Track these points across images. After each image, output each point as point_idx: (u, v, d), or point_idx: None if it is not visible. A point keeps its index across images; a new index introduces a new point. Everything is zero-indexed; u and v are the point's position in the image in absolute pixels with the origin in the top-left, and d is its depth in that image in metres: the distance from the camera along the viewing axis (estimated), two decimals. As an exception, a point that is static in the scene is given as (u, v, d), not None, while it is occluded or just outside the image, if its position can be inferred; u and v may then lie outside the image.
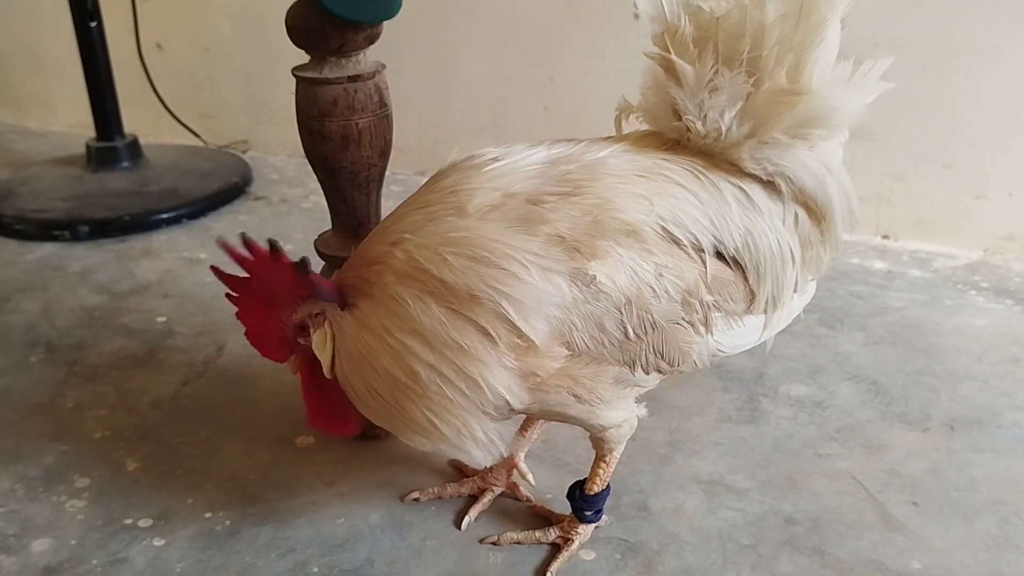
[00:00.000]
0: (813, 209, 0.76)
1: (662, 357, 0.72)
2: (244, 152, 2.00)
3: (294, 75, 0.86)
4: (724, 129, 0.72)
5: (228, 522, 0.89)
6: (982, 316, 1.26)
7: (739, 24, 0.70)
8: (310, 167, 0.92)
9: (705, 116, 0.73)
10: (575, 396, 0.71)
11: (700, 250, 0.72)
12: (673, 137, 0.76)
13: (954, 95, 1.38)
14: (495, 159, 0.73)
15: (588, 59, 1.63)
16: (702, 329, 0.73)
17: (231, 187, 1.73)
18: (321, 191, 0.93)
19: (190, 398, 1.10)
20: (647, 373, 0.73)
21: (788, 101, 0.71)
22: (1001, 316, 1.26)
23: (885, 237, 1.50)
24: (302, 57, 0.88)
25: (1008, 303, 1.29)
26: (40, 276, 1.44)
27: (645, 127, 0.79)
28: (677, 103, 0.73)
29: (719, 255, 0.74)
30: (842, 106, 0.73)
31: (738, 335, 0.77)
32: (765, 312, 0.77)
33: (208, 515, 0.90)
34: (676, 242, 0.71)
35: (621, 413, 0.76)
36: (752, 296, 0.76)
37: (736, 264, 0.74)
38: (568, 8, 1.61)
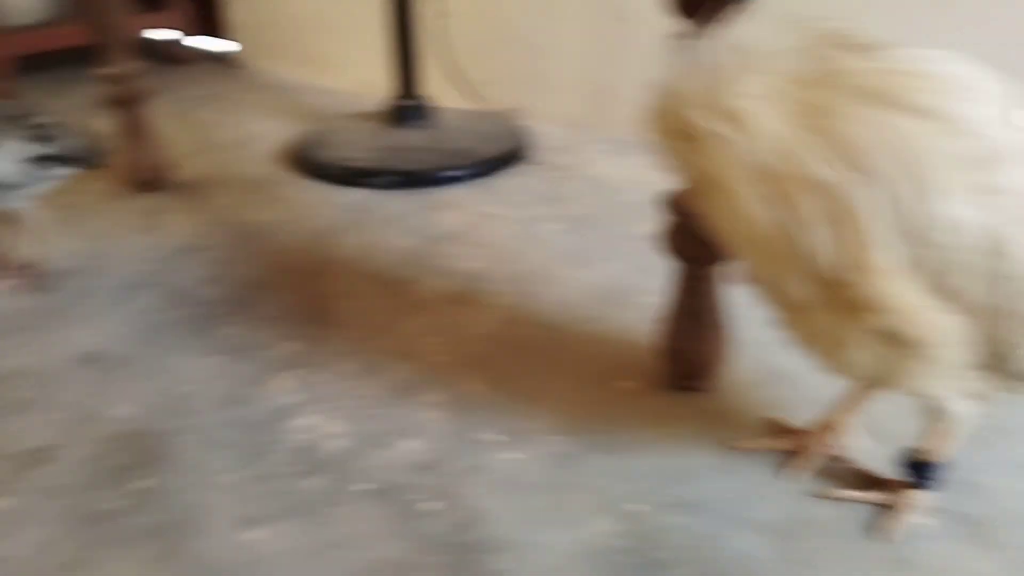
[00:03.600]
0: None
1: None
2: (515, 119, 2.12)
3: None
4: None
5: (572, 447, 0.98)
6: None
7: None
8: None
9: None
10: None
11: None
12: None
13: None
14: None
15: None
16: None
17: (514, 151, 1.85)
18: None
19: (512, 336, 1.21)
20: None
21: None
22: None
23: None
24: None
25: None
26: (355, 217, 1.60)
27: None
28: None
29: None
30: None
31: None
32: None
33: (552, 439, 1.00)
34: None
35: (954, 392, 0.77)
36: None
37: None
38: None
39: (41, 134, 1.28)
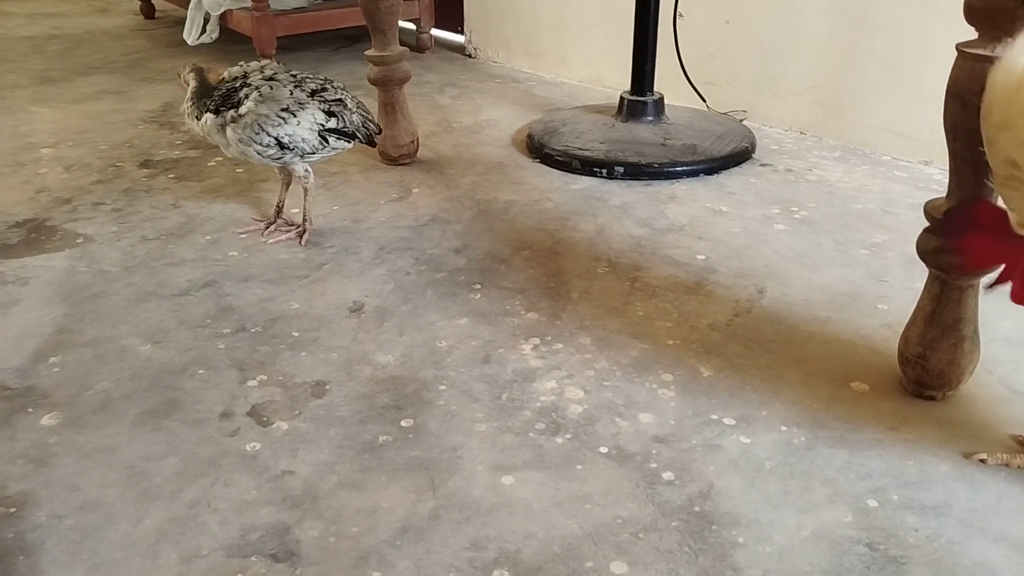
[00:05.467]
0: None
1: None
2: (741, 121, 2.13)
3: (959, 50, 0.93)
4: None
5: (803, 438, 1.01)
6: None
7: None
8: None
9: None
10: None
11: None
12: None
13: None
14: None
15: None
16: None
17: (741, 151, 1.86)
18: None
19: (743, 328, 1.24)
20: None
21: None
22: None
23: None
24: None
25: None
26: (588, 204, 1.68)
27: None
28: None
29: None
30: None
31: None
32: None
33: (783, 428, 1.03)
34: None
35: None
36: None
37: None
38: None
39: (331, 109, 1.44)
